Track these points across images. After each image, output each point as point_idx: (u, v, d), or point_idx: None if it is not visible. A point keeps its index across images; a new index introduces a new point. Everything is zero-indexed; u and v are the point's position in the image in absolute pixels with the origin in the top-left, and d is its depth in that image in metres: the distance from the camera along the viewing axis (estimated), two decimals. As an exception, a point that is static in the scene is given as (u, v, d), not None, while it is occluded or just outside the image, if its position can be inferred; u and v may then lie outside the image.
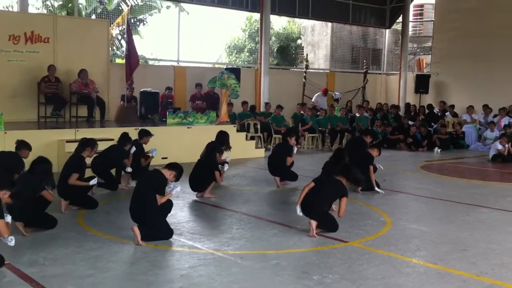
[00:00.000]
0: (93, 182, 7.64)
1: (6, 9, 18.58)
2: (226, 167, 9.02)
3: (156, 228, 6.13)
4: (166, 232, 6.20)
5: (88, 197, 7.73)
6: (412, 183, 10.66)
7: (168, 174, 6.31)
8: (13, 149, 7.86)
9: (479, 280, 5.11)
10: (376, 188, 9.22)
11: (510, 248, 6.19)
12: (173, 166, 6.39)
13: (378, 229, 6.86)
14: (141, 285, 4.86)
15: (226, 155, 9.27)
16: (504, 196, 9.39)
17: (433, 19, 22.06)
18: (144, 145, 9.60)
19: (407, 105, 20.07)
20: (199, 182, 8.62)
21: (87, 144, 7.75)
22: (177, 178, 6.42)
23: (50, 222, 6.44)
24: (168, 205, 6.46)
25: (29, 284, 4.73)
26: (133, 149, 9.09)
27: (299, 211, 6.61)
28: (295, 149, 9.91)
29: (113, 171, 9.14)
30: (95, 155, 8.65)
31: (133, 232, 5.94)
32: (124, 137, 9.13)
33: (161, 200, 6.19)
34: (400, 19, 22.20)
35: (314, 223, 6.40)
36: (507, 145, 13.81)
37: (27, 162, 7.17)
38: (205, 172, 8.62)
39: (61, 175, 7.54)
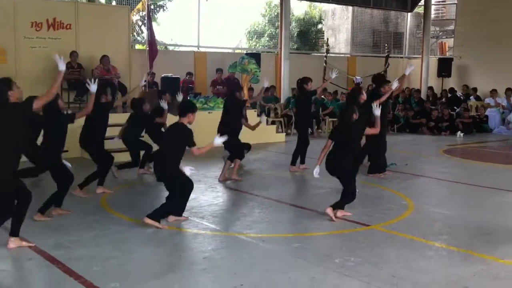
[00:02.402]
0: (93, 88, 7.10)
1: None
2: (263, 118, 9.16)
3: (177, 184, 6.08)
4: (186, 184, 6.14)
5: (105, 153, 7.77)
6: (434, 167, 10.56)
7: (186, 120, 6.11)
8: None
9: (502, 263, 5.07)
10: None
11: (535, 232, 6.14)
12: (183, 110, 6.16)
13: (400, 213, 6.83)
14: (165, 266, 4.94)
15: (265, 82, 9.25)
16: (529, 180, 9.28)
17: (456, 1, 21.69)
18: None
19: (430, 89, 19.86)
20: (226, 128, 8.50)
21: (98, 92, 7.31)
22: (195, 110, 6.20)
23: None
24: (189, 183, 6.27)
25: (56, 265, 4.82)
26: (165, 105, 8.93)
27: (316, 173, 6.58)
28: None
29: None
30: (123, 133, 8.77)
31: (147, 223, 5.90)
32: (138, 101, 8.98)
33: (201, 150, 6.05)
34: (422, 2, 21.84)
35: (329, 211, 6.36)
36: (531, 129, 13.61)
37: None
38: (233, 116, 8.64)
39: (82, 129, 7.71)
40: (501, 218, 6.71)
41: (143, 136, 9.28)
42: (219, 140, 6.20)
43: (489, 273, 4.82)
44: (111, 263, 4.94)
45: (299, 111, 9.90)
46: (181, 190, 6.16)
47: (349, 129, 6.52)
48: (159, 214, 6.00)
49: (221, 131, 8.26)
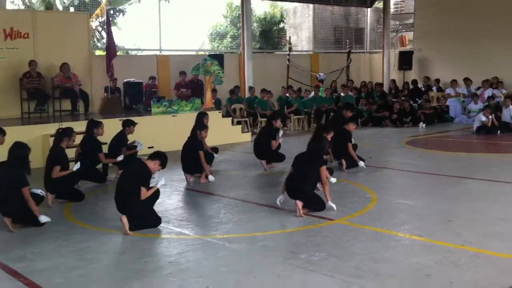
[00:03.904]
0: (77, 167, 7.58)
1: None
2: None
3: (143, 218, 6.15)
4: (154, 221, 6.22)
5: (74, 189, 7.72)
6: (397, 158, 10.74)
7: (152, 164, 6.27)
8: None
9: (463, 249, 5.19)
10: (360, 163, 9.30)
11: (495, 218, 6.28)
12: (156, 155, 6.36)
13: (364, 206, 6.93)
14: (130, 273, 4.89)
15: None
16: (489, 166, 9.51)
17: (414, -5, 22.05)
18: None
19: (392, 82, 20.18)
20: (191, 164, 8.74)
21: (63, 134, 7.67)
22: (162, 166, 6.40)
23: (34, 219, 6.35)
24: (155, 194, 6.45)
25: (17, 279, 4.74)
26: (121, 158, 8.95)
27: (278, 200, 6.75)
28: (281, 133, 9.93)
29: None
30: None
31: (121, 222, 5.96)
32: (90, 124, 8.95)
33: (146, 194, 6.17)
34: (381, -4, 22.15)
35: (300, 203, 6.46)
36: (490, 117, 13.94)
37: (5, 147, 6.95)
38: (195, 154, 8.71)
39: (45, 169, 7.52)
40: (462, 206, 6.87)
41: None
42: (162, 182, 6.40)
43: (450, 260, 4.93)
44: (75, 273, 4.87)
45: None
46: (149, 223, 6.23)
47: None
48: (134, 225, 6.00)
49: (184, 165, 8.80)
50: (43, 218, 6.31)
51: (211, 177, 8.72)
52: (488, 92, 16.97)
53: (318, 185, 7.11)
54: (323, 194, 6.89)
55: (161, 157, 6.36)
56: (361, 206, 6.92)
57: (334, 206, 6.61)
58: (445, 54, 19.89)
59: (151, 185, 6.28)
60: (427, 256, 5.04)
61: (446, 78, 18.99)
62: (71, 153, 8.40)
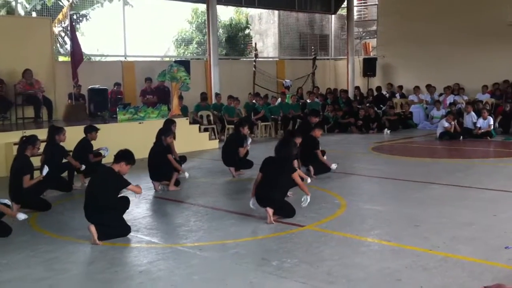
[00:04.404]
0: (45, 171, 7.49)
1: None
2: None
3: (112, 226, 6.06)
4: (123, 230, 6.14)
5: (40, 199, 7.55)
6: (364, 164, 10.88)
7: (119, 167, 6.17)
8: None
9: (431, 254, 5.27)
10: (332, 165, 9.38)
11: (461, 222, 6.40)
12: (120, 157, 6.22)
13: (333, 212, 6.98)
14: (99, 284, 4.81)
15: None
16: (453, 171, 9.71)
17: (377, 2, 22.41)
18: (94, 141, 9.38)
19: (357, 89, 20.46)
20: (159, 171, 8.68)
21: (27, 142, 7.52)
22: (131, 164, 6.28)
23: (5, 231, 6.22)
24: (125, 202, 6.40)
25: (-17, 291, 4.63)
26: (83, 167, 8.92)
27: (252, 204, 6.72)
28: (250, 140, 9.94)
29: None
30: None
31: (90, 232, 5.85)
32: (52, 130, 8.79)
33: (137, 189, 6.30)
34: (345, 4, 22.44)
35: (270, 210, 6.47)
36: (453, 122, 14.26)
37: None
38: (162, 160, 8.64)
39: (10, 179, 7.33)
40: (429, 210, 6.99)
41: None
42: (140, 191, 6.46)
43: (419, 264, 5.00)
44: (43, 284, 4.77)
45: None
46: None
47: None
48: (103, 235, 5.91)
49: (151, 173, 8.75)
50: (21, 216, 6.24)
51: (186, 174, 8.96)
52: (450, 99, 17.39)
53: (289, 193, 7.14)
54: (292, 200, 6.94)
55: (125, 157, 6.23)
56: (330, 212, 6.97)
57: (308, 199, 6.68)
58: (408, 60, 20.29)
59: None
60: (396, 261, 5.11)
61: (409, 84, 19.38)
62: (36, 161, 8.21)
